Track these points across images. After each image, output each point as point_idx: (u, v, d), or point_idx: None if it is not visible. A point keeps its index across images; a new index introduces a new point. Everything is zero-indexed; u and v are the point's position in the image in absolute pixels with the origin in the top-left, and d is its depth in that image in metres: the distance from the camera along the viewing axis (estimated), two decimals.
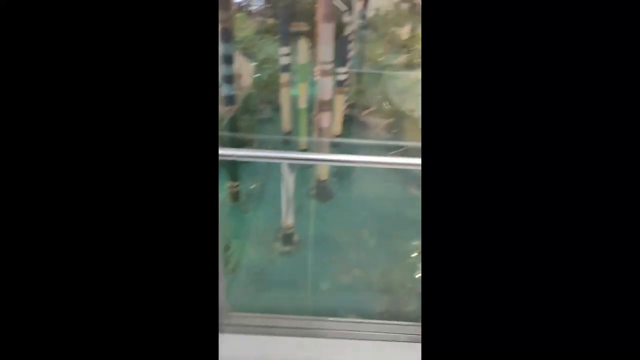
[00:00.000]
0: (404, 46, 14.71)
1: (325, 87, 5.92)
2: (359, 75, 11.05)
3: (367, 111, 9.30)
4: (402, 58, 13.31)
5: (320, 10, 5.32)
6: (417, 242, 5.77)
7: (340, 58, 7.34)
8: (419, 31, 15.32)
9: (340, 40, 7.53)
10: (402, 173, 7.20)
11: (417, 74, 12.83)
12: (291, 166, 5.33)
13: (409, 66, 12.89)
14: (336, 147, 7.49)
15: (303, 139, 7.09)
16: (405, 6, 16.07)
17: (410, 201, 6.98)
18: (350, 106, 9.24)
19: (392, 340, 1.47)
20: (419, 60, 13.03)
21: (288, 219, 5.57)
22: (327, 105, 6.07)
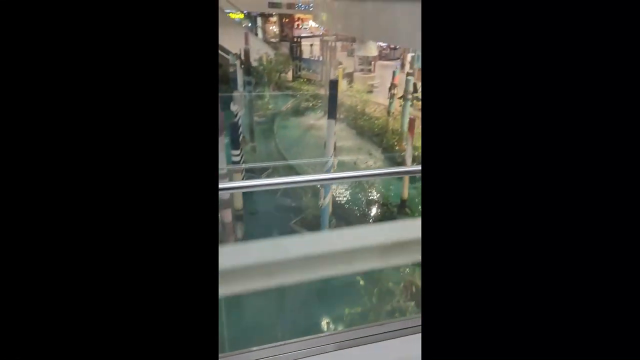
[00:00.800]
0: (288, 87, 15.38)
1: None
2: (251, 130, 11.32)
3: (265, 174, 9.72)
4: (290, 103, 13.96)
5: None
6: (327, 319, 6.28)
7: (234, 142, 7.67)
8: (300, 73, 16.13)
9: (231, 126, 7.82)
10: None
11: (306, 120, 13.45)
12: None
13: (297, 112, 13.61)
14: (239, 219, 7.78)
15: None
16: (285, 50, 16.80)
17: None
18: (249, 171, 9.54)
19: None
20: (307, 104, 13.73)
21: None
22: (225, 203, 6.36)
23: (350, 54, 16.79)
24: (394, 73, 10.68)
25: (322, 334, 1.50)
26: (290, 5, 16.38)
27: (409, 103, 9.56)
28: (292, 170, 9.83)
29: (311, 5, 14.67)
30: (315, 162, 8.61)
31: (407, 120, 9.37)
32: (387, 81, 12.02)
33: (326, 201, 7.26)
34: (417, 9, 7.01)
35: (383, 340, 1.46)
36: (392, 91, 10.74)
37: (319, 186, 7.37)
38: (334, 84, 6.94)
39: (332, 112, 6.69)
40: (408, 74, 10.02)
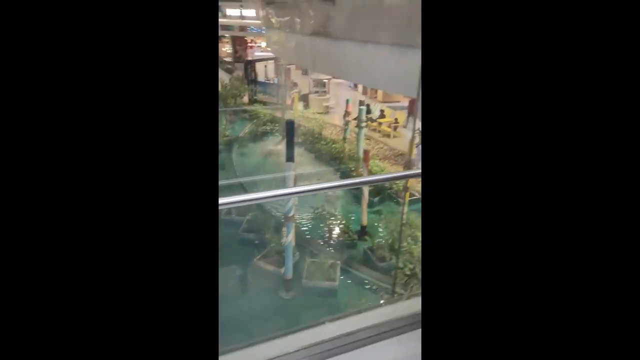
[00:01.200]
0: (245, 112, 15.33)
1: None
2: None
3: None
4: (247, 129, 13.93)
5: None
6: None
7: None
8: (257, 97, 16.18)
9: None
10: (270, 277, 7.90)
11: (265, 145, 13.36)
12: None
13: (255, 137, 13.65)
14: None
15: None
16: (240, 72, 16.78)
17: (284, 303, 7.74)
18: None
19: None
20: (265, 128, 13.66)
21: None
22: None
23: (305, 72, 17.06)
24: (347, 101, 11.10)
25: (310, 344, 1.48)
26: (243, 28, 16.42)
27: (363, 131, 9.98)
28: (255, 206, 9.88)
29: (264, 28, 14.80)
30: (276, 197, 8.67)
31: (362, 147, 9.76)
32: (342, 100, 12.34)
33: (289, 238, 7.42)
34: (364, 48, 7.41)
35: (383, 340, 1.41)
36: (347, 118, 11.17)
37: (282, 219, 7.50)
38: (290, 126, 7.12)
39: (290, 155, 6.87)
40: (360, 102, 10.44)
